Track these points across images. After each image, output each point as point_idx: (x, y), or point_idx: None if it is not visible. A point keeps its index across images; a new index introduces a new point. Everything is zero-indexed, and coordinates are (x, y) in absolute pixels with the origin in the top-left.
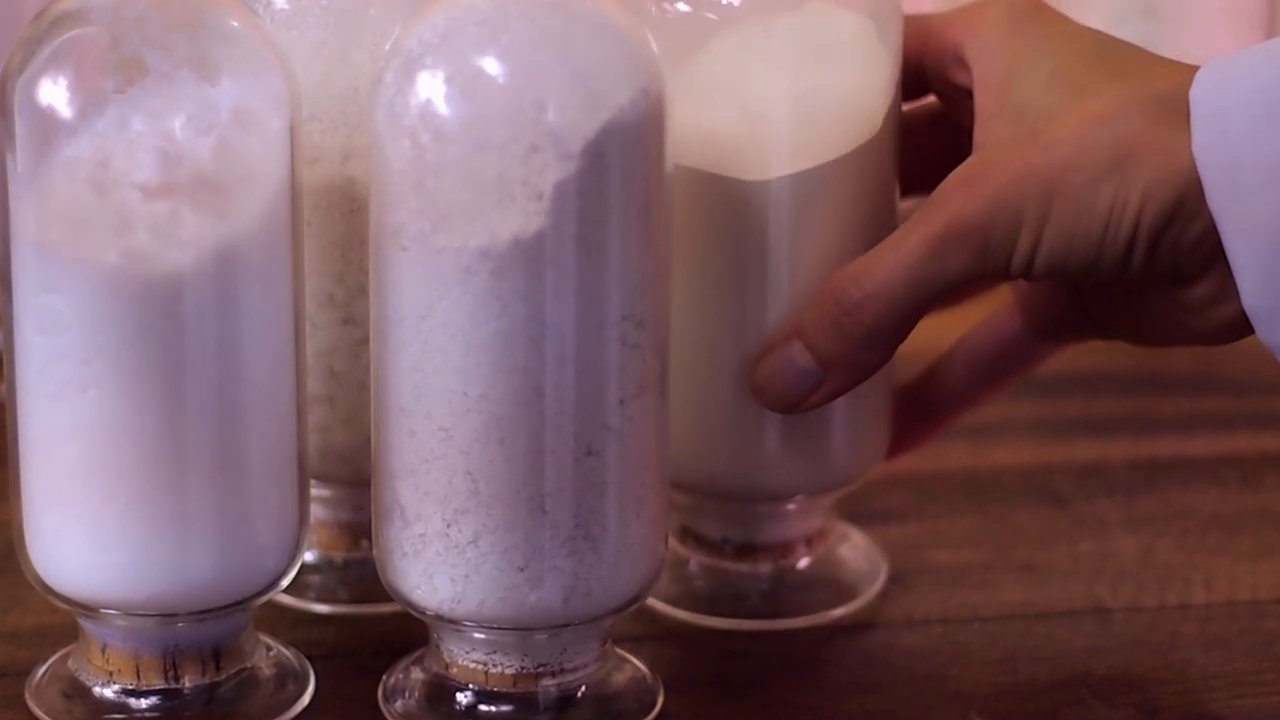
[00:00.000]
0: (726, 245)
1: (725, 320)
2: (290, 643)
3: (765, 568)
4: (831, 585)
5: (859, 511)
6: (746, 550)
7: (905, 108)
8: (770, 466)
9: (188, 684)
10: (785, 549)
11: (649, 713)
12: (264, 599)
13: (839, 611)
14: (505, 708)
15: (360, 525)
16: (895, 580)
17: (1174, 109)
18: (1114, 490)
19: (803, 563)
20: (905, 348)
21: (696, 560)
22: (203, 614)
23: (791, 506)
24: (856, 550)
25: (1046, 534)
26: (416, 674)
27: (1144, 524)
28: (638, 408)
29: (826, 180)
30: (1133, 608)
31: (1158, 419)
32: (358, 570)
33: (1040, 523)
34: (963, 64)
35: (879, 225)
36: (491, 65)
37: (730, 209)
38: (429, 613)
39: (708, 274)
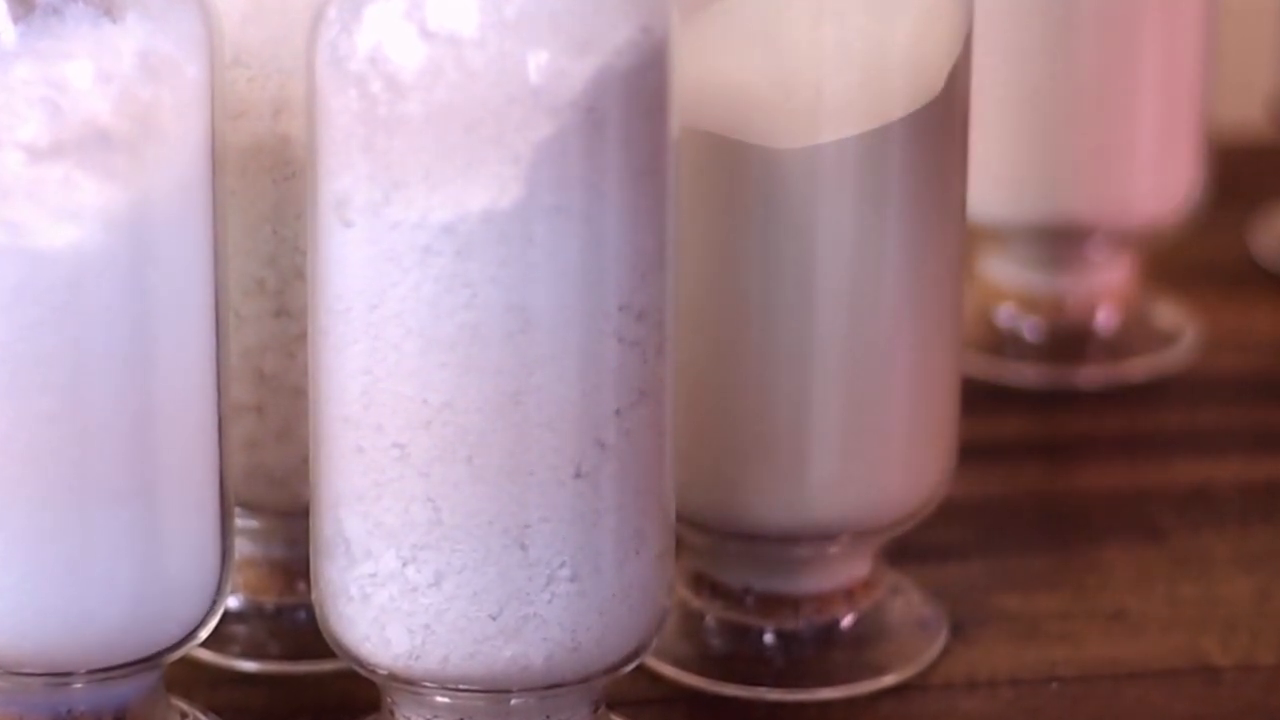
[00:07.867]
0: (752, 225)
1: (749, 314)
2: (209, 708)
3: (797, 625)
4: (878, 651)
5: (910, 547)
6: (774, 603)
7: None
8: (809, 497)
9: None
10: (822, 602)
11: None
12: (178, 654)
13: (889, 679)
14: None
15: (296, 563)
16: (955, 631)
17: None
18: (1223, 521)
19: (845, 620)
20: (972, 344)
21: (712, 614)
22: (104, 673)
23: (834, 549)
24: (910, 607)
25: (1141, 574)
26: None
27: (1260, 562)
28: (637, 419)
29: (875, 149)
30: (1246, 665)
31: (1276, 434)
32: (292, 619)
33: (1133, 561)
34: None
35: (940, 204)
36: None
37: (757, 182)
38: (381, 670)
39: (727, 260)
